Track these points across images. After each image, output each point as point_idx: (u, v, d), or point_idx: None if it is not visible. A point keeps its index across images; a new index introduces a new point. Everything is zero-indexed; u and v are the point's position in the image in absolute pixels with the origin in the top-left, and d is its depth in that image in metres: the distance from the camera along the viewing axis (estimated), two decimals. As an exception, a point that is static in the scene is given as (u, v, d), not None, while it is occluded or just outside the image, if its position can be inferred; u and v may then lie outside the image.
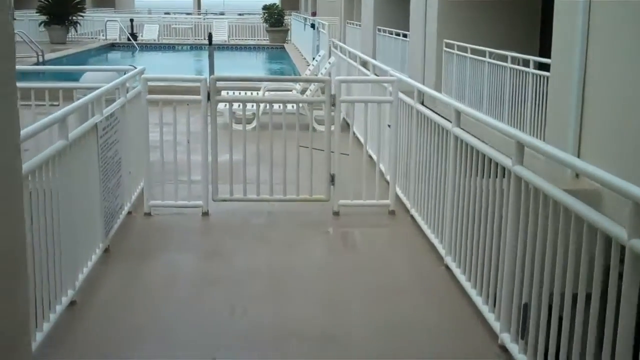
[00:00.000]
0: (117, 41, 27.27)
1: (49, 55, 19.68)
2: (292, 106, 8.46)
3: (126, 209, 6.21)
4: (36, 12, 28.95)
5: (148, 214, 6.42)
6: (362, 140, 7.20)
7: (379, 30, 21.42)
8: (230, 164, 6.76)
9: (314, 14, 43.82)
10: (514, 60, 10.12)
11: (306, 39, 19.12)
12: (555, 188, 3.43)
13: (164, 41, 29.38)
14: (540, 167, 4.42)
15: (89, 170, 4.94)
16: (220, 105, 11.59)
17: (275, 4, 36.89)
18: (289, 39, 29.03)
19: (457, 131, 4.92)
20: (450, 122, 5.06)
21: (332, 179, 6.68)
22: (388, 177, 7.06)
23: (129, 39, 27.06)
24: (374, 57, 20.96)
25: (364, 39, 23.63)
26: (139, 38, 28.50)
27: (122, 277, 5.04)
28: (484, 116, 5.05)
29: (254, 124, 10.01)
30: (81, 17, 28.89)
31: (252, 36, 31.56)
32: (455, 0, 13.38)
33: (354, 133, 7.76)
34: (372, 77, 8.87)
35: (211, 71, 12.11)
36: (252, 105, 10.58)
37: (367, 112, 7.03)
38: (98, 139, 5.08)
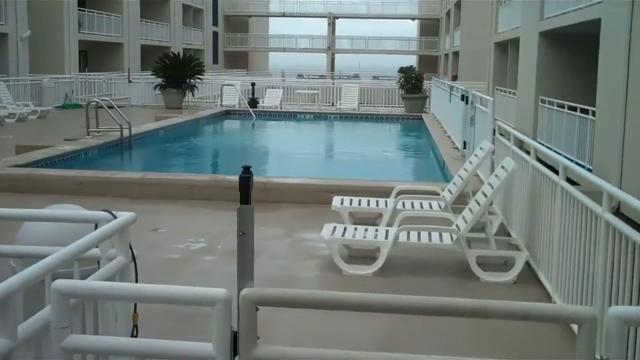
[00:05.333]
0: (235, 108, 24.37)
1: (144, 127, 16.74)
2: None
3: None
4: (152, 74, 26.67)
5: None
6: None
7: (542, 101, 17.24)
8: None
9: (454, 78, 40.03)
10: None
11: (452, 112, 15.20)
12: None
13: (287, 107, 26.28)
14: None
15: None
16: (336, 203, 7.87)
17: (412, 66, 33.42)
18: (427, 107, 25.22)
19: None
20: None
21: None
22: None
23: (249, 105, 24.15)
24: (534, 136, 16.77)
25: (521, 112, 19.52)
26: (259, 105, 25.52)
27: None
28: None
29: (378, 264, 6.18)
30: (199, 80, 26.33)
31: (386, 103, 27.99)
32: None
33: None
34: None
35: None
36: (376, 231, 6.78)
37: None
38: None
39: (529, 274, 6.40)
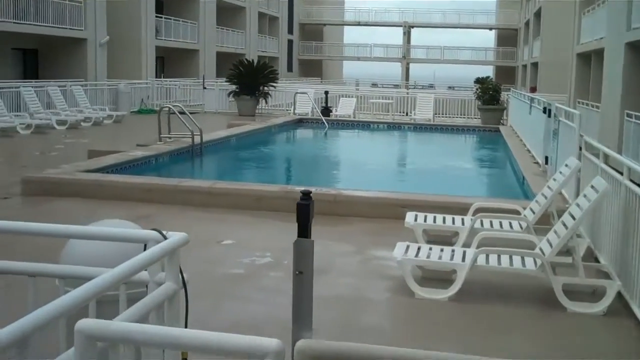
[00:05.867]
0: (308, 116, 24.11)
1: (216, 134, 16.59)
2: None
3: None
4: (226, 81, 26.69)
5: None
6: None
7: (629, 115, 16.41)
8: None
9: (533, 90, 38.91)
10: None
11: (532, 125, 14.55)
12: None
13: (360, 117, 25.89)
14: None
15: None
16: (410, 219, 7.46)
17: (489, 77, 32.60)
18: (505, 118, 24.45)
19: None
20: None
21: None
22: None
23: (322, 113, 23.86)
24: (619, 151, 15.96)
25: (604, 126, 18.68)
26: (332, 113, 25.21)
27: None
28: None
29: (454, 288, 5.74)
30: (273, 88, 26.20)
31: (462, 114, 27.29)
32: None
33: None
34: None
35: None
36: (452, 252, 6.35)
37: None
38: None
39: (620, 305, 5.85)
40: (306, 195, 3.03)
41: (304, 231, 3.00)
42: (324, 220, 8.74)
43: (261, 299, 5.88)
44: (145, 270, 2.85)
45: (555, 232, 6.13)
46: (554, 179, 7.55)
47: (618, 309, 5.80)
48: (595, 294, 6.02)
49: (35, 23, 25.51)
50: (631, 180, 6.06)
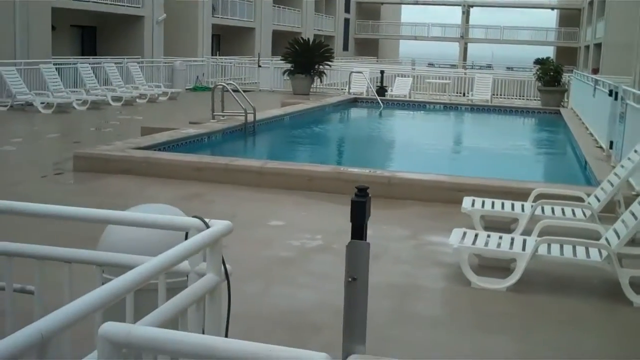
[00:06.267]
0: (362, 96, 23.76)
1: (270, 112, 16.38)
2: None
3: None
4: (281, 59, 26.47)
5: None
6: None
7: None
8: None
9: (595, 71, 37.76)
10: None
11: (596, 108, 13.99)
12: None
13: (416, 97, 25.43)
14: None
15: None
16: (467, 204, 7.17)
17: (549, 57, 31.65)
18: (565, 101, 23.71)
19: None
20: None
21: None
22: None
23: (377, 93, 23.51)
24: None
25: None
26: (388, 93, 24.82)
27: None
28: None
29: (513, 278, 5.46)
30: (328, 67, 25.88)
31: (520, 95, 26.57)
32: None
33: None
34: None
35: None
36: (511, 240, 6.06)
37: None
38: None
39: (692, 301, 5.47)
40: (362, 191, 2.64)
41: (358, 232, 2.62)
42: (378, 203, 8.42)
43: (311, 284, 5.67)
44: (187, 260, 2.65)
45: (624, 221, 5.76)
46: (622, 166, 7.15)
47: (689, 306, 5.43)
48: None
49: (94, 0, 25.67)
50: None
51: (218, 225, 2.69)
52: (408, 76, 26.86)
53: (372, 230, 7.32)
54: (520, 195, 7.93)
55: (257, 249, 6.48)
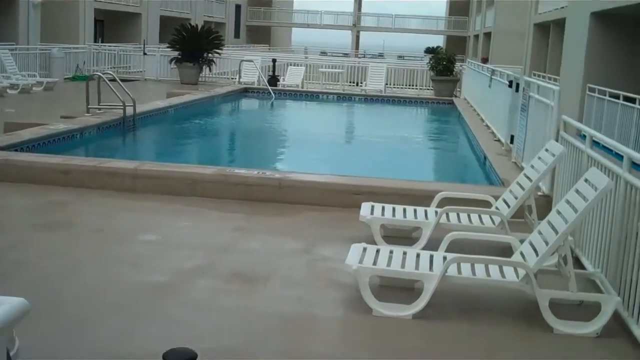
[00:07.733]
0: (254, 85, 22.80)
1: (152, 104, 15.20)
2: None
3: None
4: (167, 47, 25.17)
5: None
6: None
7: (592, 90, 15.59)
8: None
9: (484, 60, 38.12)
10: None
11: (493, 100, 13.59)
12: None
13: (309, 87, 24.68)
14: None
15: None
16: (365, 212, 6.43)
17: (439, 46, 31.49)
18: (458, 90, 23.56)
19: None
20: None
21: None
22: None
23: (269, 83, 22.60)
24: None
25: (564, 101, 17.88)
26: (280, 83, 23.96)
27: None
28: None
29: (419, 304, 4.75)
30: (217, 55, 24.76)
31: (412, 84, 26.26)
32: None
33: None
34: None
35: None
36: (417, 257, 5.35)
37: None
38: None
39: (615, 322, 4.90)
40: None
41: None
42: (267, 208, 7.65)
43: (186, 318, 4.75)
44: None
45: (541, 233, 5.13)
46: (532, 166, 6.56)
47: (612, 327, 4.86)
48: (582, 306, 5.08)
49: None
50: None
51: (5, 306, 1.76)
52: (301, 65, 26.10)
53: (261, 243, 6.50)
54: (422, 197, 7.31)
55: (122, 272, 5.50)
